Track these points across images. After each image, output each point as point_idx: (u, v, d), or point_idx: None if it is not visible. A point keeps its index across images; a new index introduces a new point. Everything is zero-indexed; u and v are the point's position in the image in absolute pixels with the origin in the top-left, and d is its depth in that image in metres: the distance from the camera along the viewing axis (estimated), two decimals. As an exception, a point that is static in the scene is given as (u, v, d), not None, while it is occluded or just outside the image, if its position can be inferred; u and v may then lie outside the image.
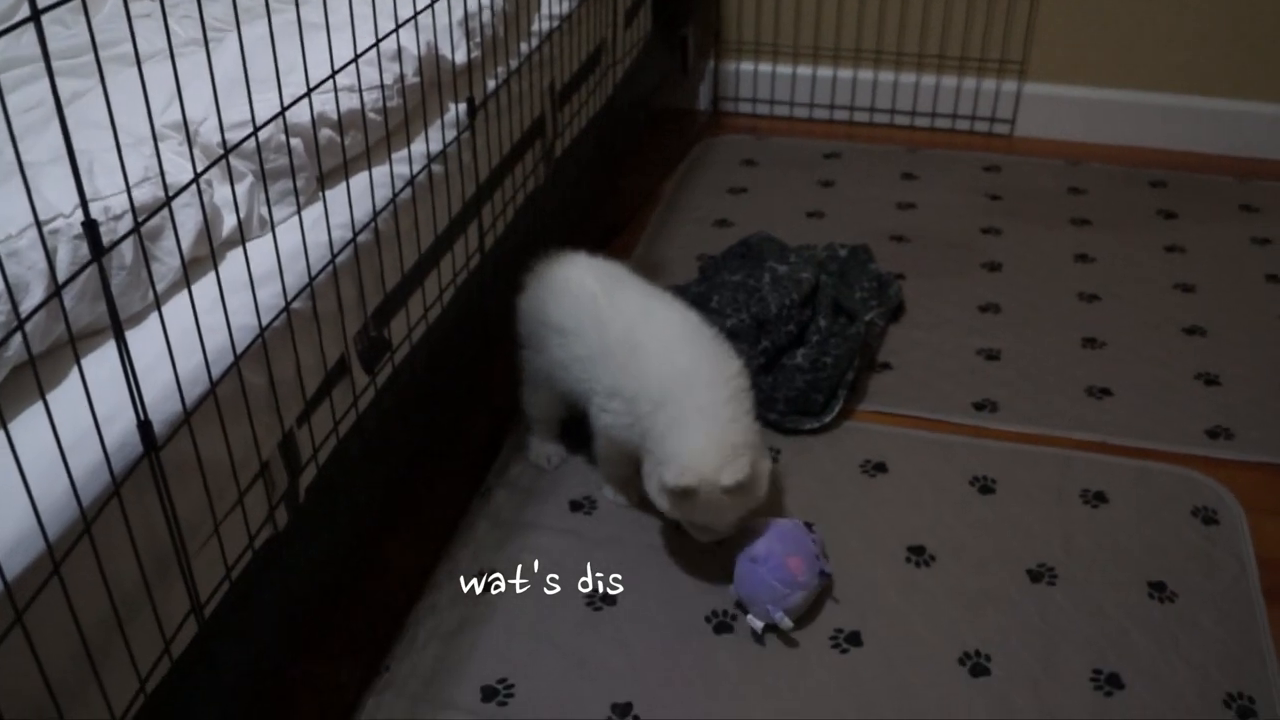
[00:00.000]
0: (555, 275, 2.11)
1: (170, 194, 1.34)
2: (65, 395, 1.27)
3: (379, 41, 1.73)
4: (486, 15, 2.09)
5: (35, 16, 0.96)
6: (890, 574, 2.02)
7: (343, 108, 1.71)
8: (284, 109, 1.47)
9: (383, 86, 1.81)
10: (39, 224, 1.11)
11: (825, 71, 3.71)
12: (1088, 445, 2.32)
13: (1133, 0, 3.40)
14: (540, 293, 2.11)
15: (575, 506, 2.16)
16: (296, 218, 1.59)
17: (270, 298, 1.47)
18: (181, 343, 1.30)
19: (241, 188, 1.57)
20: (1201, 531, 2.10)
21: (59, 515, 1.14)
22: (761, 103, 3.81)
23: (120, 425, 1.23)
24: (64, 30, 2.11)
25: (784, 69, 3.74)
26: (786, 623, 1.86)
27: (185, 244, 1.45)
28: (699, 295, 2.50)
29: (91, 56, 1.95)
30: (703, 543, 1.97)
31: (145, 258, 1.36)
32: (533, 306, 2.13)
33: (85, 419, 1.16)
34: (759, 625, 1.87)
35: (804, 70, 3.72)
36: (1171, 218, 3.15)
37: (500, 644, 1.89)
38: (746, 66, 3.77)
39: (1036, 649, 1.88)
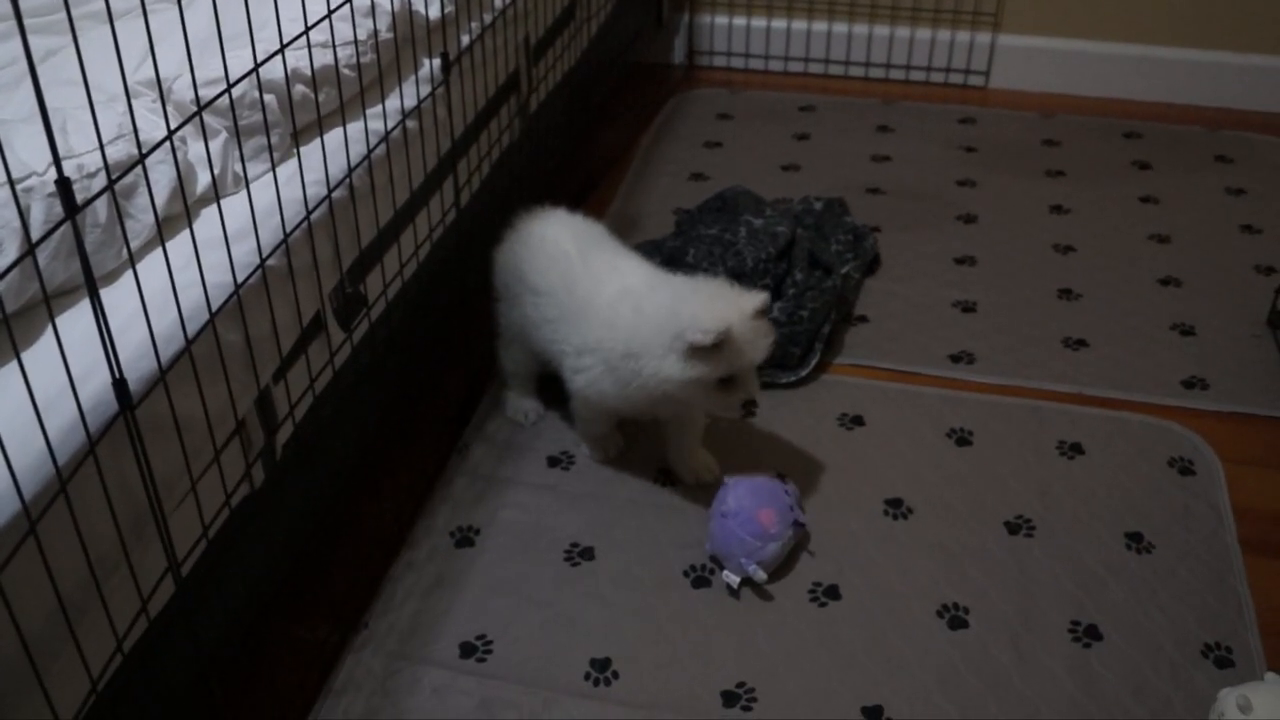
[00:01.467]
0: (532, 232, 2.09)
1: (144, 151, 1.33)
2: (40, 354, 1.26)
3: (352, -5, 1.72)
4: (460, -32, 2.08)
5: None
6: (868, 527, 2.02)
7: (316, 64, 1.69)
8: (257, 65, 1.45)
9: (356, 42, 1.79)
10: (12, 182, 1.10)
11: (800, 24, 3.69)
12: (1064, 397, 2.33)
13: (1108, -49, 3.39)
14: (516, 248, 2.10)
15: (553, 462, 2.16)
16: (271, 174, 1.58)
17: (245, 255, 1.46)
18: (156, 300, 1.30)
19: (215, 144, 1.56)
20: (1178, 482, 2.12)
21: (34, 474, 1.13)
22: (736, 56, 3.79)
23: (95, 383, 1.23)
24: (35, -13, 2.09)
25: (758, 22, 3.72)
26: (760, 575, 1.86)
27: (159, 201, 1.44)
28: (675, 249, 2.49)
29: (64, 14, 1.93)
30: (735, 415, 1.90)
31: (119, 215, 1.35)
32: (508, 261, 2.11)
33: (60, 377, 1.15)
34: (734, 580, 1.88)
35: (778, 23, 3.71)
36: (1146, 169, 3.16)
37: (479, 600, 1.89)
38: (721, 20, 3.75)
39: (1015, 601, 1.89)
